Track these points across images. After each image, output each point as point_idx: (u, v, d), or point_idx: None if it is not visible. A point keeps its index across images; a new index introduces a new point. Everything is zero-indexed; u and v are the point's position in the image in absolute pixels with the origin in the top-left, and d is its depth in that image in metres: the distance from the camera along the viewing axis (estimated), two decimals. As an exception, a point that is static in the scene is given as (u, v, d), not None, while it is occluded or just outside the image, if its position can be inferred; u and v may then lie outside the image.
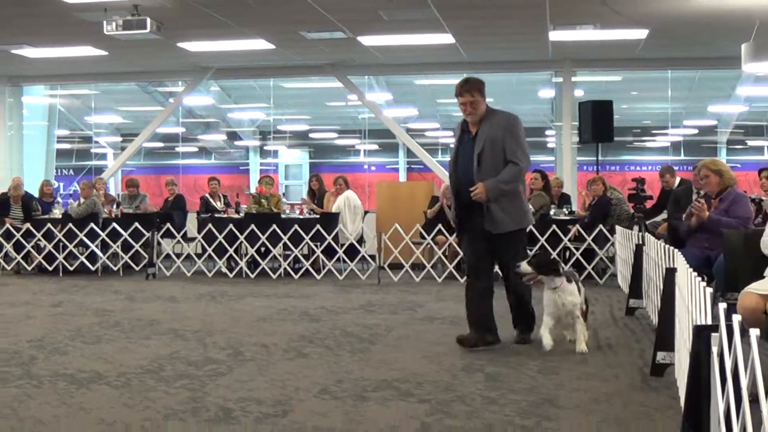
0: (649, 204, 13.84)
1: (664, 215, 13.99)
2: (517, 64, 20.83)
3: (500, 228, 8.70)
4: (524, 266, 8.55)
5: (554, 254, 14.51)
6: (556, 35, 16.65)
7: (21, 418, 6.21)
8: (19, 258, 16.93)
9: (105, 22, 13.83)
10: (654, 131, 35.84)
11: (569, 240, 14.84)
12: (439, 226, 15.62)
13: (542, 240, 14.60)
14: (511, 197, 8.79)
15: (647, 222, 12.82)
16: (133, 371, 7.76)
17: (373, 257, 15.89)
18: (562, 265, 8.70)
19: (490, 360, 8.19)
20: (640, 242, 10.97)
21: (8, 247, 16.91)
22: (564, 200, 17.10)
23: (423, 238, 15.83)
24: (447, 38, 16.81)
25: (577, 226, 15.02)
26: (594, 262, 14.79)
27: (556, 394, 6.86)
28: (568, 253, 14.84)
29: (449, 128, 34.88)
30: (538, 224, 14.71)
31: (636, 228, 11.54)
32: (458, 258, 15.33)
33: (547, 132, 33.15)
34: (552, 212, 15.74)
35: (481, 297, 8.88)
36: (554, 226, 14.83)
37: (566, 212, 16.28)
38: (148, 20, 13.65)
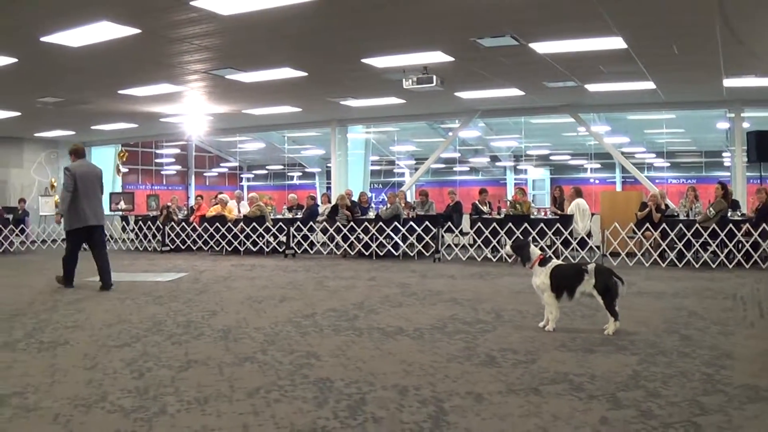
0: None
1: None
2: (700, 104, 19.90)
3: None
4: (507, 248, 8.26)
5: (713, 246, 14.01)
6: (729, 82, 15.87)
7: (348, 357, 6.48)
8: (345, 246, 17.57)
9: (404, 80, 14.21)
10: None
11: (741, 235, 14.30)
12: (647, 224, 15.42)
13: (722, 235, 14.39)
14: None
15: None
16: (425, 327, 7.93)
17: (598, 247, 15.64)
18: (534, 248, 7.95)
19: (685, 324, 7.96)
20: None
21: (338, 238, 17.64)
22: (735, 205, 16.22)
23: (635, 233, 15.51)
24: (649, 85, 16.23)
25: (747, 224, 14.44)
26: (759, 251, 14.24)
27: (731, 349, 6.68)
28: (740, 245, 14.28)
29: (652, 151, 34.29)
30: (719, 223, 14.51)
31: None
32: (661, 248, 14.92)
33: (724, 154, 32.58)
34: (729, 214, 15.02)
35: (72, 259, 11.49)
36: (731, 225, 14.44)
37: (739, 214, 15.58)
38: (434, 77, 13.89)
